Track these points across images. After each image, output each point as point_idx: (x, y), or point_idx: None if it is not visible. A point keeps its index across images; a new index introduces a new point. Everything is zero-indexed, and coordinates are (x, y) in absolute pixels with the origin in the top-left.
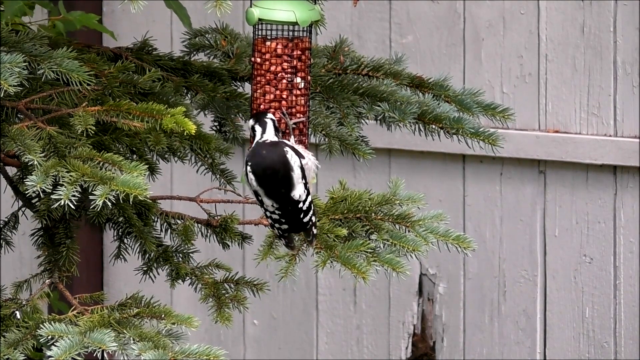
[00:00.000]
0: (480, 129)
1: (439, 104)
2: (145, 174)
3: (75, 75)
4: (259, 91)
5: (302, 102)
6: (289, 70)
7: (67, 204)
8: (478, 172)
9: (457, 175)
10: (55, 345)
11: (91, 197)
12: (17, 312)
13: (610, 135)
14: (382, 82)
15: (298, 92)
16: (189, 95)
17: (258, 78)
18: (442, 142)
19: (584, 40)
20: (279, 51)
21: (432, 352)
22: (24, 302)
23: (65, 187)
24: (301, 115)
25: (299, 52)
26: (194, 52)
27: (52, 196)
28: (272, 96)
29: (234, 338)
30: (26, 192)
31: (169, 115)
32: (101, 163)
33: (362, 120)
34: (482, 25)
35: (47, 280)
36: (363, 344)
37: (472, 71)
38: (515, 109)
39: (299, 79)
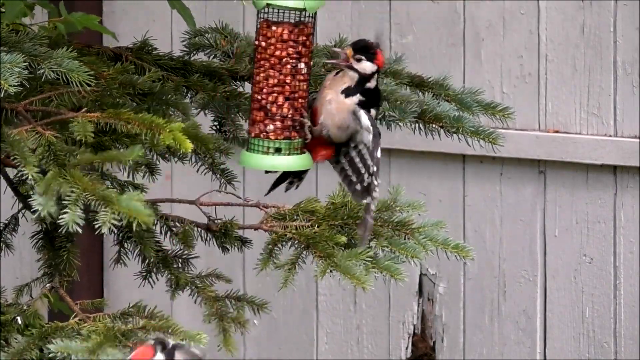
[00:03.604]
0: (480, 128)
1: (439, 103)
2: (142, 201)
3: (75, 75)
4: (261, 75)
5: (305, 87)
6: (294, 55)
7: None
8: (478, 172)
9: (457, 175)
10: None
11: (95, 223)
12: (18, 318)
13: (610, 136)
14: (382, 81)
15: (301, 77)
16: (189, 95)
17: (262, 62)
18: (442, 142)
19: (584, 40)
20: (285, 37)
21: (432, 352)
22: (24, 307)
23: (69, 209)
24: (303, 102)
25: (303, 38)
26: (194, 52)
27: (58, 222)
28: (275, 80)
29: (234, 338)
30: (26, 198)
31: (168, 131)
32: (100, 163)
33: None
34: (482, 25)
35: (47, 285)
36: (363, 344)
37: (472, 71)
38: (515, 109)
39: (302, 65)
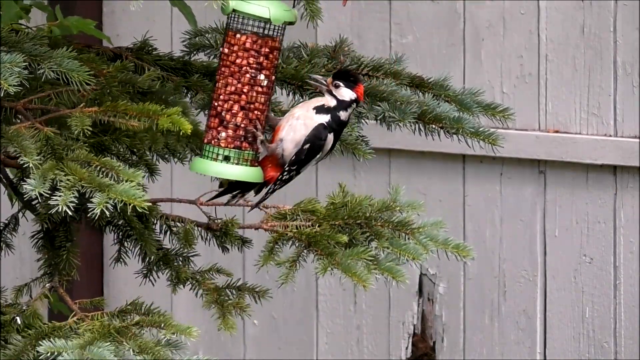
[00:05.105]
0: (480, 129)
1: (439, 104)
2: (142, 182)
3: (75, 75)
4: (221, 82)
5: (262, 100)
6: (254, 65)
7: (65, 210)
8: (478, 172)
9: (457, 176)
10: None
11: (89, 205)
12: (18, 318)
13: (610, 135)
14: (382, 81)
15: (259, 89)
16: (189, 95)
17: (223, 69)
18: (442, 142)
19: (584, 40)
20: (248, 45)
21: (432, 352)
22: (24, 307)
23: (62, 192)
24: (259, 114)
25: (267, 50)
26: (194, 52)
27: (50, 202)
28: (233, 88)
29: (234, 338)
30: (25, 195)
31: (165, 116)
32: (99, 167)
33: (362, 120)
34: (482, 25)
35: (47, 284)
36: (363, 344)
37: (472, 71)
38: (515, 109)
39: (262, 76)
